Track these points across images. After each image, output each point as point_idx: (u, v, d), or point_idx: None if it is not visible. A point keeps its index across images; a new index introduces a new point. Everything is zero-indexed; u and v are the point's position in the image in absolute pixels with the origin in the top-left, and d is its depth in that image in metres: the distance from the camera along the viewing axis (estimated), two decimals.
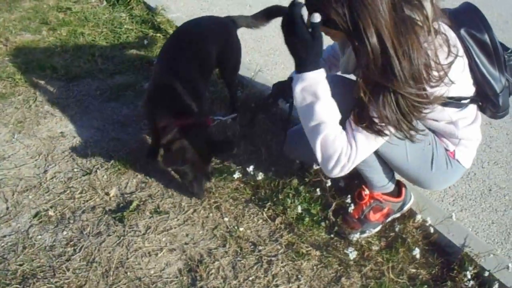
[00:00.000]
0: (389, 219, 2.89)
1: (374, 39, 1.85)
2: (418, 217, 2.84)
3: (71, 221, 2.85)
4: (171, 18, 5.20)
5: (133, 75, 4.29)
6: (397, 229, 2.82)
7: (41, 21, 5.25)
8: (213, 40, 3.38)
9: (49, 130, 3.58)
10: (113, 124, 3.66)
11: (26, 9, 5.52)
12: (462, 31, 2.23)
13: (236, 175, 3.09)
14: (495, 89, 2.32)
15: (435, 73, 1.96)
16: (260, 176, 3.06)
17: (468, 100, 2.34)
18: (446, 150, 2.54)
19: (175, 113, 2.86)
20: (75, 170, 3.19)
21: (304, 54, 2.03)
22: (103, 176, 3.16)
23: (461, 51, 2.17)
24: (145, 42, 4.76)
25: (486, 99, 2.37)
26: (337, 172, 2.20)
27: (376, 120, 2.02)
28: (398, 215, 2.91)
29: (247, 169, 3.10)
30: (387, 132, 2.07)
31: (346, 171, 2.20)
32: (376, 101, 1.97)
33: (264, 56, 4.86)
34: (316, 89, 2.06)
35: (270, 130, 3.59)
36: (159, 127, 2.90)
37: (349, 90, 2.09)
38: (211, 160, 2.95)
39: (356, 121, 2.08)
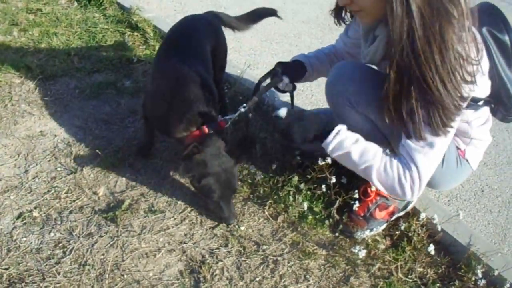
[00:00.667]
0: (394, 217, 2.79)
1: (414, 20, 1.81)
2: (423, 216, 2.75)
3: (58, 222, 2.65)
4: (147, 18, 5.03)
5: (112, 73, 4.11)
6: (402, 228, 2.73)
7: (10, 23, 5.01)
8: (208, 38, 3.27)
9: (27, 129, 3.37)
10: (96, 122, 3.47)
11: None
12: (484, 30, 2.17)
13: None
14: (510, 92, 2.28)
15: (469, 68, 1.91)
16: (259, 175, 2.93)
17: (482, 102, 2.28)
18: (457, 148, 2.50)
19: (194, 121, 2.68)
20: (59, 169, 3.00)
21: None
22: (89, 175, 2.97)
23: (485, 51, 2.10)
24: (124, 40, 4.58)
25: (499, 102, 2.33)
26: (410, 195, 2.25)
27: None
28: (402, 213, 2.82)
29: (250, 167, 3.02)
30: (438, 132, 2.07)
31: (418, 190, 2.23)
32: (409, 94, 1.94)
33: (245, 56, 4.76)
34: (343, 145, 2.30)
35: (263, 128, 3.45)
36: (176, 137, 2.72)
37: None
38: (237, 171, 2.69)
39: (406, 134, 2.13)
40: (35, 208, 2.74)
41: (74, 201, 2.79)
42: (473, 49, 1.94)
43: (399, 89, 1.97)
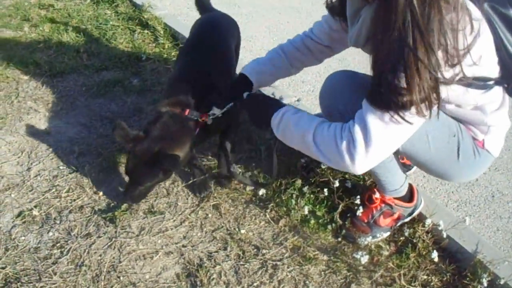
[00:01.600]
0: (399, 224, 2.72)
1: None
2: (428, 221, 2.68)
3: (57, 222, 2.63)
4: (159, 15, 5.00)
5: (120, 71, 4.08)
6: (406, 234, 2.66)
7: (22, 18, 5.05)
8: (233, 36, 3.36)
9: (32, 127, 3.35)
10: (101, 121, 3.45)
11: (7, 6, 5.32)
12: (486, 5, 1.97)
13: (233, 168, 2.86)
14: None
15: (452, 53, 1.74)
16: (262, 177, 2.91)
17: (492, 82, 2.07)
18: (474, 139, 2.31)
19: (179, 102, 2.72)
20: (61, 167, 2.97)
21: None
22: (91, 174, 2.94)
23: (486, 27, 1.92)
24: (133, 37, 4.53)
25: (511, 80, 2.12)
26: (349, 160, 1.92)
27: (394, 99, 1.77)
28: (408, 219, 2.74)
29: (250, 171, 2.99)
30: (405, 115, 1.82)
31: (363, 156, 1.89)
32: (392, 74, 1.74)
33: (256, 55, 4.69)
34: (283, 118, 2.18)
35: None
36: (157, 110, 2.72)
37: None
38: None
39: (371, 100, 1.86)
40: (35, 206, 2.72)
41: (74, 200, 2.77)
42: (463, 35, 1.76)
43: (384, 68, 1.77)
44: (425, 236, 2.66)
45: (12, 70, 4.00)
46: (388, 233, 2.69)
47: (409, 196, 2.68)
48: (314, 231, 2.71)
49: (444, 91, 1.80)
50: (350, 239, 2.67)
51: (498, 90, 2.13)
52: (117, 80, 3.96)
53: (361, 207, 2.65)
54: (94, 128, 3.37)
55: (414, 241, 2.64)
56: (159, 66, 4.17)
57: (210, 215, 2.76)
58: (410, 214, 2.72)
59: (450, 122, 2.20)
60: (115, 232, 2.59)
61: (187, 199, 2.84)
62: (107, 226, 2.62)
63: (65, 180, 2.90)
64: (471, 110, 2.17)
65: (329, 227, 2.71)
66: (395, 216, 2.67)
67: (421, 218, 2.76)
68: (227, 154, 2.90)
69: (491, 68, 2.02)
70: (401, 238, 2.68)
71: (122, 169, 2.99)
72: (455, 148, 2.27)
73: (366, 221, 2.66)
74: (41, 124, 3.40)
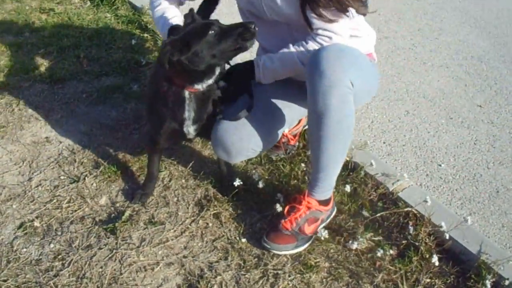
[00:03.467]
0: (320, 227, 2.68)
1: None
2: (429, 227, 2.70)
3: (59, 233, 2.63)
4: None
5: (120, 77, 4.08)
6: (409, 237, 2.65)
7: (23, 23, 5.05)
8: None
9: (33, 135, 3.36)
10: (101, 129, 3.45)
11: (8, 11, 5.33)
12: None
13: (237, 182, 2.83)
14: None
15: None
16: (261, 183, 2.86)
17: None
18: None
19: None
20: (62, 177, 2.97)
21: None
22: (92, 184, 2.94)
23: None
24: (133, 42, 4.52)
25: None
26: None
27: None
28: (326, 223, 2.72)
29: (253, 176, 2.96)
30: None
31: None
32: None
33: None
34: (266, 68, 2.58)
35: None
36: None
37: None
38: None
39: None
40: (36, 217, 2.72)
41: (75, 211, 2.77)
42: None
43: None
44: (427, 239, 2.65)
45: (13, 77, 4.01)
46: (310, 242, 2.66)
47: None
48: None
49: None
50: (273, 250, 2.61)
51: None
52: (117, 86, 3.96)
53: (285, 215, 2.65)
54: (94, 136, 3.38)
55: (417, 244, 2.63)
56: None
57: (210, 225, 2.75)
58: (327, 218, 2.72)
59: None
60: (116, 243, 2.59)
61: (187, 208, 2.84)
62: (108, 238, 2.62)
63: (66, 190, 2.90)
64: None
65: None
66: (318, 222, 2.65)
67: (422, 220, 2.74)
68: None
69: None
70: (403, 242, 2.67)
71: (123, 179, 2.99)
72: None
73: (290, 229, 2.60)
74: (42, 132, 3.40)
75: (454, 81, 4.59)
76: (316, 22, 2.37)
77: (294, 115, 2.69)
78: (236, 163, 3.02)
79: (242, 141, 2.54)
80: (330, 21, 2.34)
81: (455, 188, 3.17)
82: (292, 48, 2.47)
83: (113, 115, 3.62)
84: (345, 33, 2.42)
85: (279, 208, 2.69)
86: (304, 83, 2.34)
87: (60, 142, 3.31)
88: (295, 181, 2.95)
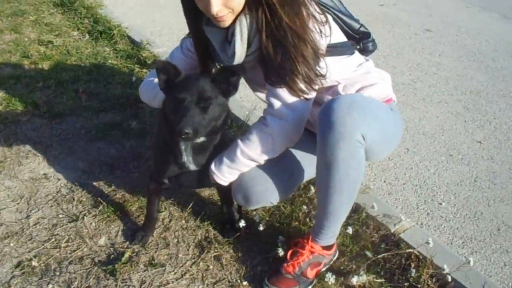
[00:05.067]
0: (321, 271, 2.67)
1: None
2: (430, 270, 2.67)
3: (57, 273, 2.59)
4: (157, 53, 5.02)
5: (119, 113, 4.07)
6: (411, 279, 2.63)
7: (22, 55, 5.06)
8: None
9: (31, 171, 3.34)
10: (100, 166, 3.43)
11: (7, 42, 5.34)
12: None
13: (242, 223, 2.83)
14: (355, 25, 2.68)
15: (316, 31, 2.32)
16: (262, 225, 2.86)
17: (349, 44, 2.61)
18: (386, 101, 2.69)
19: None
20: (60, 216, 2.95)
21: None
22: (90, 223, 2.92)
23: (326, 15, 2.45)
24: (133, 79, 4.51)
25: (357, 38, 2.73)
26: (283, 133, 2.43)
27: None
28: (327, 266, 2.71)
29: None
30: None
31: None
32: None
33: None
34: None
35: None
36: None
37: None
38: None
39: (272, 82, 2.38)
40: (34, 256, 2.68)
41: (74, 251, 2.73)
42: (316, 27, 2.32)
43: (280, 58, 2.26)
44: (430, 281, 2.63)
45: (11, 111, 4.00)
46: (312, 285, 2.64)
47: None
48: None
49: (323, 65, 2.33)
50: None
51: (357, 54, 2.68)
52: (116, 122, 3.95)
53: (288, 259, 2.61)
54: (93, 174, 3.35)
55: (419, 286, 2.61)
56: (157, 108, 4.13)
57: (211, 267, 2.72)
58: (330, 262, 2.72)
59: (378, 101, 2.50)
60: (116, 285, 2.55)
61: (187, 250, 2.81)
62: (108, 279, 2.58)
63: (65, 229, 2.87)
64: (363, 74, 2.61)
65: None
66: (321, 266, 2.64)
67: (424, 261, 2.72)
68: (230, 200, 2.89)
69: (340, 35, 2.57)
70: (406, 284, 2.65)
71: (122, 219, 2.96)
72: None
73: (292, 273, 2.57)
74: (40, 168, 3.38)
75: (454, 116, 4.62)
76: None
77: (313, 169, 2.66)
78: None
79: (266, 192, 2.54)
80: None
81: (456, 227, 3.17)
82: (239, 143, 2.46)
83: (112, 153, 3.60)
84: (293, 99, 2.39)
85: (281, 252, 2.67)
86: None
87: (59, 179, 3.28)
88: (296, 222, 2.94)
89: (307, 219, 2.96)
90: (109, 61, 4.96)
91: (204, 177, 2.58)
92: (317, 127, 2.26)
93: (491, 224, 3.25)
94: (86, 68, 4.80)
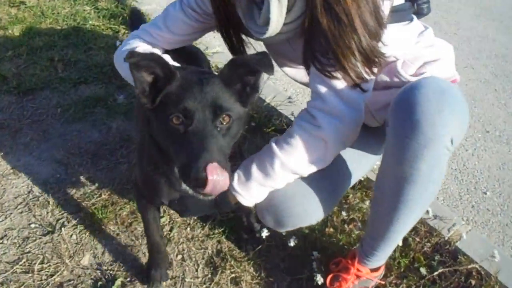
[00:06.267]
0: None
1: None
2: None
3: None
4: (145, 11, 4.33)
5: (103, 84, 3.45)
6: None
7: None
8: None
9: None
10: (81, 156, 2.84)
11: None
12: None
13: (264, 233, 2.24)
14: None
15: None
16: (293, 241, 2.23)
17: (408, 6, 1.95)
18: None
19: None
20: (33, 226, 2.38)
21: None
22: (70, 235, 2.35)
23: None
24: (118, 43, 3.83)
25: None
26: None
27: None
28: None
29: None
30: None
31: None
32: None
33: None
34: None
35: None
36: None
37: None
38: None
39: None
40: (1, 284, 2.11)
41: (51, 276, 2.17)
42: None
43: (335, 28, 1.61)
44: None
45: None
46: None
47: None
48: None
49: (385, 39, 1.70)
50: None
51: (416, 20, 2.03)
52: (99, 97, 3.32)
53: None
54: (72, 167, 2.75)
55: None
56: None
57: None
58: (377, 283, 2.22)
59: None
60: None
61: (196, 270, 2.25)
62: None
63: (38, 245, 2.30)
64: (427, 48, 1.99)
65: None
66: None
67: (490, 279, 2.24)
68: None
69: None
70: None
71: (110, 228, 2.35)
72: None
73: None
74: (8, 161, 2.78)
75: (483, 84, 4.21)
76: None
77: (362, 172, 2.13)
78: None
79: (305, 214, 1.94)
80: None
81: (506, 223, 2.73)
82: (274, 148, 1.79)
83: (95, 137, 2.99)
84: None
85: (319, 279, 2.12)
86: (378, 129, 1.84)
87: (30, 176, 2.69)
88: (332, 229, 2.32)
89: (345, 225, 2.35)
90: (90, 23, 4.32)
91: (219, 198, 1.84)
92: (389, 122, 1.68)
93: None
94: (63, 31, 4.15)
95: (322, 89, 1.72)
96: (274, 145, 1.79)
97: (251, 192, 1.80)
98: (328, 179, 1.92)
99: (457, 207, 2.81)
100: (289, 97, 3.38)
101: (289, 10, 1.73)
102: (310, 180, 1.86)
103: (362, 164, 2.06)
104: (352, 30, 1.60)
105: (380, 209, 1.88)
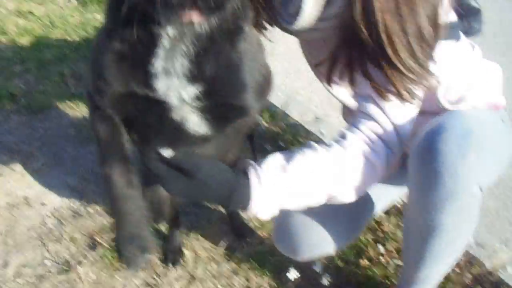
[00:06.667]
0: None
1: None
2: None
3: None
4: None
5: None
6: None
7: None
8: None
9: (7, 194, 2.58)
10: (96, 182, 2.66)
11: None
12: None
13: (292, 274, 2.04)
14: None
15: None
16: (327, 279, 2.05)
17: (457, 23, 1.72)
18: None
19: None
20: (47, 263, 2.23)
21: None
22: (87, 273, 2.18)
23: None
24: None
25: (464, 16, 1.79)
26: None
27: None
28: None
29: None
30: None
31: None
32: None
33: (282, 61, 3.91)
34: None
35: None
36: None
37: None
38: None
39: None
40: None
41: None
42: None
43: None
44: None
45: None
46: None
47: None
48: None
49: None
50: None
51: (463, 38, 1.78)
52: None
53: None
54: (86, 195, 2.60)
55: None
56: None
57: None
58: None
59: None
60: None
61: None
62: None
63: (55, 286, 2.13)
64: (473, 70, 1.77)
65: None
66: None
67: None
68: None
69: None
70: None
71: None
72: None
73: None
74: (18, 189, 2.62)
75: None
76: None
77: (385, 202, 1.90)
78: None
79: (324, 243, 1.77)
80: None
81: None
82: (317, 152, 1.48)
83: None
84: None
85: None
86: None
87: (43, 204, 2.53)
88: (366, 261, 2.16)
89: (381, 257, 2.18)
90: None
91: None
92: (410, 171, 1.50)
93: None
94: (74, 43, 4.00)
95: (376, 110, 1.50)
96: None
97: (274, 201, 1.46)
98: (348, 208, 1.73)
99: (494, 226, 2.61)
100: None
101: (328, 1, 1.51)
102: (329, 208, 1.67)
103: (385, 194, 1.92)
104: (405, 37, 1.40)
105: (409, 252, 1.74)
